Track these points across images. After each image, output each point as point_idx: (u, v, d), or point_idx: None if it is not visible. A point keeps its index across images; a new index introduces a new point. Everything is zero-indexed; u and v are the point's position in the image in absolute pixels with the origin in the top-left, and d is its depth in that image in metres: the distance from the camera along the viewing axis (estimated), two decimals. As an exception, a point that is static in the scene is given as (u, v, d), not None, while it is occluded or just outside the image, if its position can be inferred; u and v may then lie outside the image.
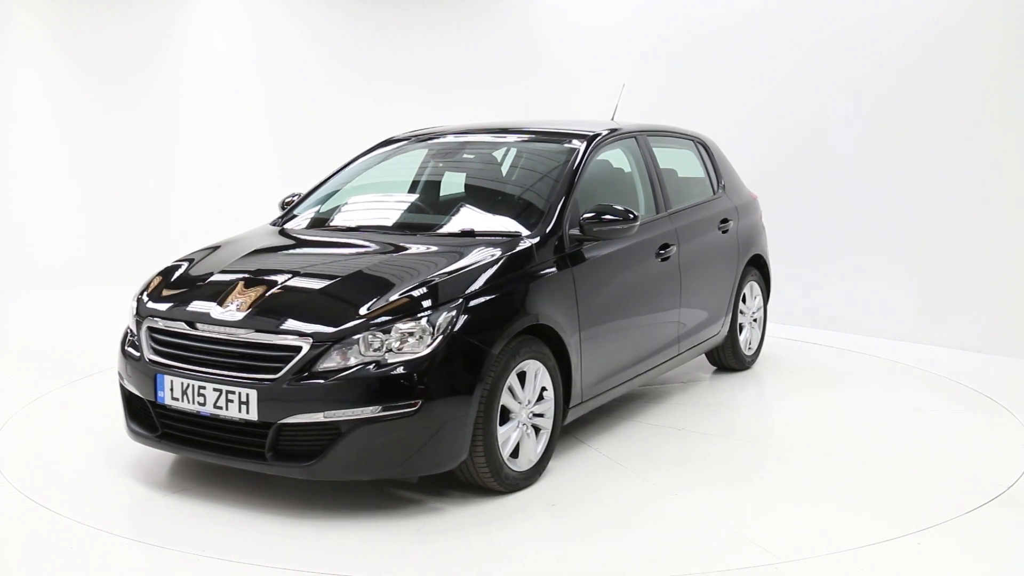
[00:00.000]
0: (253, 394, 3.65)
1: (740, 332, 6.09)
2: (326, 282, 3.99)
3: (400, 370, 3.62)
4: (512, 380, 3.93)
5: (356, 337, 3.65)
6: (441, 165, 5.31)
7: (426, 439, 3.66)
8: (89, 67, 9.74)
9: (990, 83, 6.68)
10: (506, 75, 10.06)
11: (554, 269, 4.27)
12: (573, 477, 4.27)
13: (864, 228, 7.44)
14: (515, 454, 4.01)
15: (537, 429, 4.14)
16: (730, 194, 6.07)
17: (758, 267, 6.29)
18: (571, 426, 4.81)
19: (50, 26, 9.55)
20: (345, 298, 3.86)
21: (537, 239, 4.30)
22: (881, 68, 7.25)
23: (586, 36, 9.48)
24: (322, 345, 3.64)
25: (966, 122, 6.82)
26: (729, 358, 6.10)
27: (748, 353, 6.21)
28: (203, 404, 3.78)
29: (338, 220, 4.94)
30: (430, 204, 5.04)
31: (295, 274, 4.07)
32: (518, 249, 4.20)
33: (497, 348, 3.82)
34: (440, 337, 3.69)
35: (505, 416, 3.94)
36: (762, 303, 6.36)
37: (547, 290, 4.17)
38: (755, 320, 6.29)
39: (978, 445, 4.79)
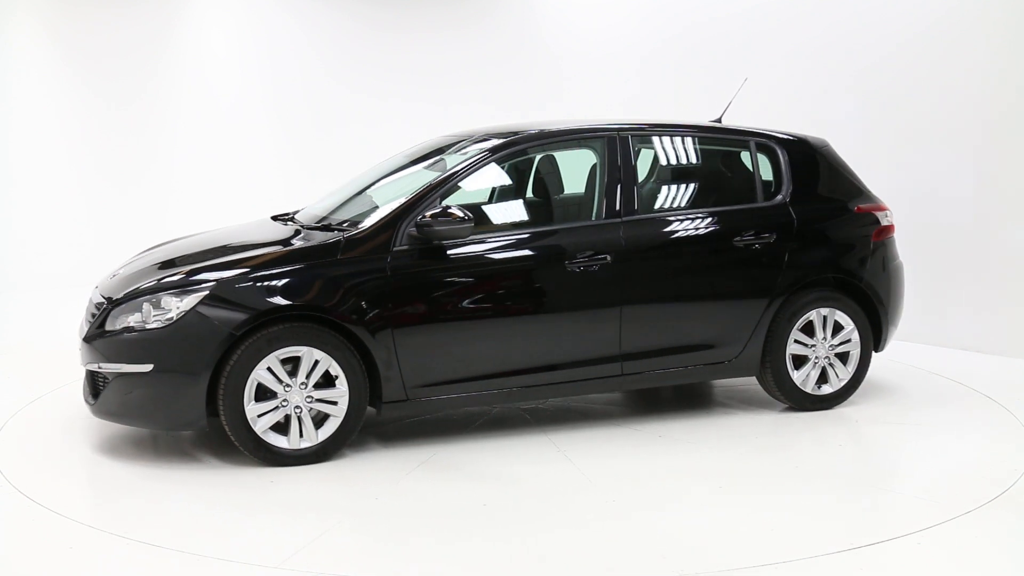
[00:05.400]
0: (83, 344, 4.50)
1: (796, 367, 5.15)
2: (171, 257, 4.72)
3: (140, 336, 4.25)
4: (272, 362, 4.27)
5: (132, 303, 4.34)
6: (407, 166, 5.28)
7: (163, 401, 4.27)
8: (89, 66, 9.72)
9: (991, 83, 6.67)
10: (507, 74, 10.06)
11: (369, 265, 4.42)
12: (357, 466, 4.36)
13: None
14: (285, 432, 4.32)
15: (327, 415, 4.40)
16: (805, 203, 5.21)
17: (855, 295, 5.26)
18: (463, 428, 4.86)
19: (50, 23, 9.54)
20: (157, 273, 4.52)
21: (349, 235, 4.50)
22: (881, 66, 7.25)
23: (586, 35, 9.48)
24: (108, 309, 4.39)
25: (967, 121, 6.80)
26: (774, 393, 5.19)
27: (811, 391, 5.17)
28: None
29: (301, 215, 5.27)
30: (364, 202, 5.09)
31: (178, 255, 4.76)
32: (312, 243, 4.52)
33: (242, 329, 4.20)
34: (183, 313, 4.21)
35: (275, 394, 4.30)
36: (858, 336, 5.20)
37: (341, 284, 4.36)
38: (836, 356, 5.20)
39: (978, 445, 4.79)
